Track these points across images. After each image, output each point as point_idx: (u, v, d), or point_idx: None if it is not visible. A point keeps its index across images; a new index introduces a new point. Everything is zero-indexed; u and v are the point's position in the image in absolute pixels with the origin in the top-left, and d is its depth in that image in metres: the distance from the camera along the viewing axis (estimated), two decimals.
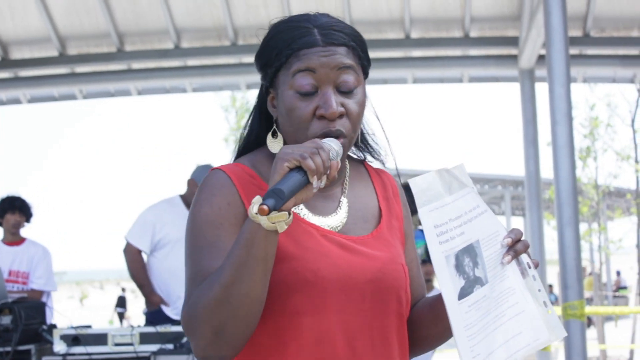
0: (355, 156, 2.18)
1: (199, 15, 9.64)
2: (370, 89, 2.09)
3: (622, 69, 10.32)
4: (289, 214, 1.73)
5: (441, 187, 1.90)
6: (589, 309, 10.69)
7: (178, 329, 5.37)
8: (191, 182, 6.80)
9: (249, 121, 2.13)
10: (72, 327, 5.44)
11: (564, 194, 6.76)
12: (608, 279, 26.93)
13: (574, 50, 9.57)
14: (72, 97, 10.89)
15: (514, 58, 9.85)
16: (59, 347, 5.32)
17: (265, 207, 1.67)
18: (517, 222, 34.11)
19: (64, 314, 6.58)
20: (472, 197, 1.94)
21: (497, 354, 1.85)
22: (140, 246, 6.49)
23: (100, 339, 5.33)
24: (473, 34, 9.77)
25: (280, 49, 1.96)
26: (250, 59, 9.73)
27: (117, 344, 5.33)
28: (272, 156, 2.00)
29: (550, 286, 25.86)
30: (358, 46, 2.00)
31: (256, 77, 2.13)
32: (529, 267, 1.94)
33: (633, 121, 16.00)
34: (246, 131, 2.13)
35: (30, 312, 5.63)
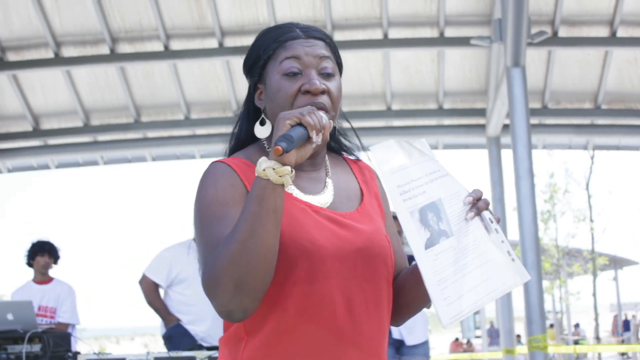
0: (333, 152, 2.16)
1: (206, 90, 9.79)
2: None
3: (576, 136, 10.46)
4: (292, 170, 1.74)
5: (401, 153, 1.88)
6: (552, 349, 10.69)
7: (189, 353, 5.37)
8: None
9: (239, 121, 2.11)
10: (95, 353, 5.44)
11: (527, 239, 6.86)
12: (569, 327, 26.81)
13: (534, 120, 9.72)
14: (94, 163, 10.94)
15: (482, 127, 9.99)
16: None
17: (279, 147, 1.67)
18: None
19: (87, 341, 6.57)
20: (432, 163, 1.91)
21: (466, 297, 1.79)
22: (157, 280, 6.43)
23: None
24: (446, 106, 9.92)
25: (268, 44, 1.99)
26: None
27: None
28: (264, 149, 2.01)
29: (519, 336, 25.69)
30: (332, 43, 2.04)
31: None
32: (492, 222, 1.89)
33: (587, 185, 16.12)
34: (236, 130, 2.10)
35: (57, 340, 5.63)
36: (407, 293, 2.02)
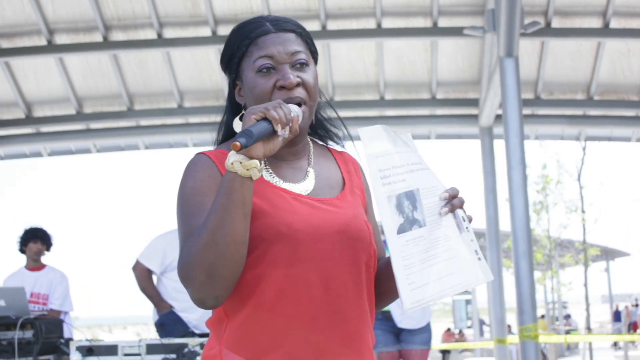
0: (320, 142, 2.20)
1: (199, 78, 9.78)
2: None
3: (568, 127, 10.49)
4: (260, 162, 1.79)
5: (387, 139, 1.91)
6: (543, 339, 10.74)
7: (181, 340, 5.38)
8: None
9: (224, 117, 2.15)
10: (87, 340, 5.45)
11: (518, 229, 6.88)
12: (560, 316, 26.89)
13: (526, 111, 9.74)
14: (87, 150, 10.95)
15: (474, 117, 10.01)
16: (75, 357, 5.32)
17: (237, 143, 1.71)
18: None
19: (80, 329, 6.58)
20: (415, 155, 1.95)
21: (430, 287, 1.84)
22: (151, 266, 6.42)
23: (112, 350, 5.33)
24: (439, 96, 9.94)
25: (240, 41, 2.02)
26: None
27: (126, 354, 5.33)
28: None
29: (509, 326, 25.77)
30: (304, 33, 2.06)
31: None
32: (464, 220, 1.94)
33: (579, 176, 16.16)
34: (222, 124, 2.15)
35: (49, 327, 5.64)
36: (383, 284, 2.06)
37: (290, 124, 1.82)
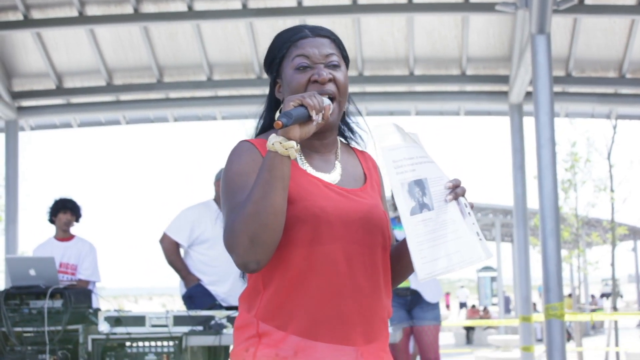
0: (345, 142, 2.50)
1: (229, 51, 9.77)
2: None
3: (599, 105, 10.37)
4: (297, 144, 2.09)
5: (398, 136, 2.21)
6: (569, 317, 10.70)
7: (208, 313, 5.42)
8: (217, 184, 6.60)
9: (264, 111, 2.45)
10: (115, 310, 5.51)
11: (546, 207, 6.84)
12: (586, 297, 26.79)
13: (557, 88, 9.65)
14: (116, 122, 10.99)
15: (504, 94, 9.93)
16: (103, 327, 5.38)
17: (279, 122, 2.03)
18: (506, 248, 33.83)
19: (106, 299, 6.65)
20: (422, 150, 2.24)
21: (440, 261, 2.12)
22: (179, 239, 6.43)
23: (139, 320, 5.38)
24: (469, 72, 9.86)
25: (282, 44, 2.35)
26: None
27: (153, 325, 5.38)
28: None
29: (534, 304, 25.75)
30: (338, 40, 2.39)
31: None
32: (466, 207, 2.22)
33: (609, 155, 16.01)
34: (261, 118, 2.45)
35: (79, 297, 5.69)
36: (393, 265, 2.38)
37: (323, 112, 2.13)
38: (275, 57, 2.35)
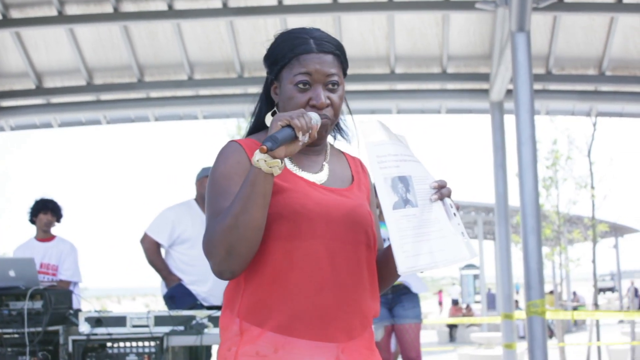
0: (337, 147, 2.53)
1: (210, 50, 9.74)
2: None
3: (579, 102, 10.42)
4: (282, 162, 2.10)
5: (384, 132, 2.23)
6: (550, 315, 10.73)
7: (189, 312, 5.40)
8: (198, 183, 6.61)
9: (257, 108, 2.48)
10: (96, 311, 5.47)
11: (527, 205, 6.85)
12: (568, 294, 26.87)
13: (537, 86, 9.68)
14: (97, 122, 10.93)
15: (485, 92, 9.96)
16: (84, 328, 5.34)
17: (264, 146, 2.04)
18: (489, 246, 33.90)
19: (88, 300, 6.61)
20: (407, 149, 2.25)
21: (422, 257, 2.11)
22: (159, 239, 6.41)
23: (120, 321, 5.35)
24: (450, 70, 9.88)
25: (285, 53, 2.33)
26: (254, 90, 9.80)
27: (134, 326, 5.35)
28: None
29: (516, 302, 25.84)
30: (341, 54, 2.39)
31: None
32: (452, 207, 2.22)
33: (589, 152, 16.06)
34: (255, 115, 2.47)
35: (59, 297, 5.65)
36: (381, 270, 2.40)
37: (310, 131, 2.15)
38: (277, 62, 2.35)
